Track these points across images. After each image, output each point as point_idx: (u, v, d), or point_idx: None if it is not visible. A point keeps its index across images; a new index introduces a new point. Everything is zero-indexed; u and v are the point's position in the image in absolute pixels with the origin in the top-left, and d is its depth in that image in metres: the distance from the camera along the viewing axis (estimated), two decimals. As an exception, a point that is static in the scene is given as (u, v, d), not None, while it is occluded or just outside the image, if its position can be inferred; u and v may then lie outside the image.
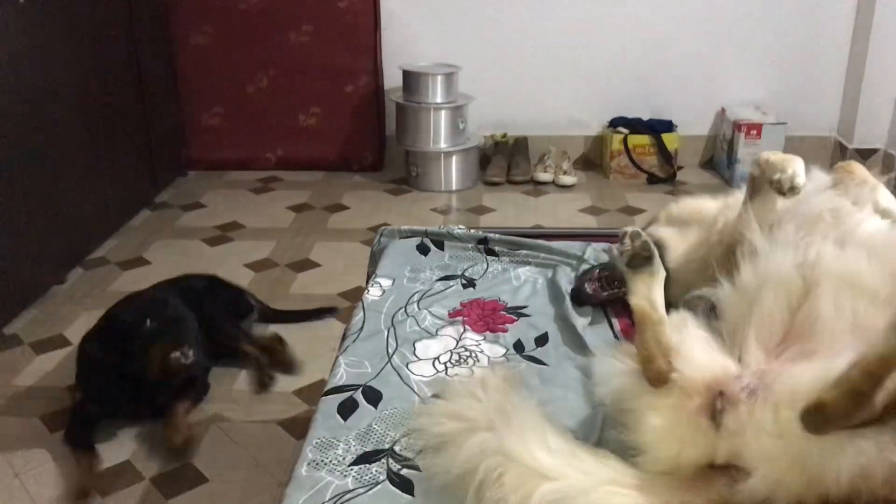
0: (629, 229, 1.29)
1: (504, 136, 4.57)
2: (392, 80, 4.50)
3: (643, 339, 1.28)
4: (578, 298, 1.85)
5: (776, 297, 1.31)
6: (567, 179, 4.38)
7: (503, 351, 1.68)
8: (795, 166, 1.51)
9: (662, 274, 1.28)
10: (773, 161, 1.54)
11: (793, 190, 1.49)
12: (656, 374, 1.25)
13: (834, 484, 1.04)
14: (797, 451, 1.08)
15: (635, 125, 4.45)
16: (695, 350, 1.28)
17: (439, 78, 4.23)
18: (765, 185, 1.55)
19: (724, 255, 1.57)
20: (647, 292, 1.28)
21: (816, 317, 1.26)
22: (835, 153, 4.51)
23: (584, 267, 1.99)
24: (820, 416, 1.06)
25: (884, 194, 1.48)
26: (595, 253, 2.04)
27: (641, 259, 1.28)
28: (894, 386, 1.05)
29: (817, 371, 1.11)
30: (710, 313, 1.47)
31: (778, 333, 1.29)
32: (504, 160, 4.49)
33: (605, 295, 1.81)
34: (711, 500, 1.15)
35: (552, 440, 1.22)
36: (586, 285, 1.83)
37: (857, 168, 1.55)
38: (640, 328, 1.28)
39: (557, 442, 1.22)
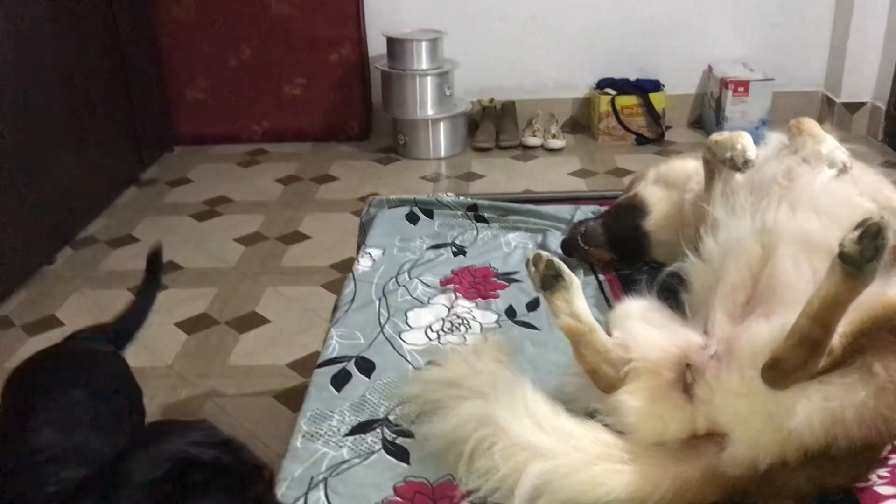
0: (530, 256, 1.31)
1: (491, 101, 4.54)
2: (376, 47, 4.45)
3: (580, 355, 1.27)
4: (568, 250, 1.86)
5: (737, 265, 1.34)
6: (556, 143, 4.36)
7: (495, 317, 1.68)
8: (744, 141, 1.55)
9: (577, 283, 1.29)
10: (722, 141, 1.58)
11: (746, 164, 1.53)
12: (605, 382, 1.26)
13: (809, 434, 1.06)
14: (766, 407, 1.09)
15: (622, 86, 4.42)
16: (650, 333, 1.29)
17: (424, 44, 4.19)
18: (719, 165, 1.58)
19: (697, 217, 1.59)
20: (569, 308, 1.28)
21: (777, 280, 1.28)
22: (822, 108, 4.50)
23: (578, 218, 2.00)
24: (778, 371, 1.07)
25: (829, 146, 1.49)
26: (585, 216, 2.03)
27: (551, 279, 1.28)
28: (850, 329, 1.07)
29: (775, 327, 1.12)
30: (680, 287, 1.49)
31: (741, 300, 1.31)
32: (492, 125, 4.47)
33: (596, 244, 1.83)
34: (703, 469, 1.16)
35: (544, 416, 1.22)
36: (579, 238, 1.83)
37: (808, 124, 1.57)
38: (574, 345, 1.28)
39: (549, 417, 1.22)
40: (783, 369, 1.07)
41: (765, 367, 1.09)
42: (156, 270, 2.05)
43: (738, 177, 1.57)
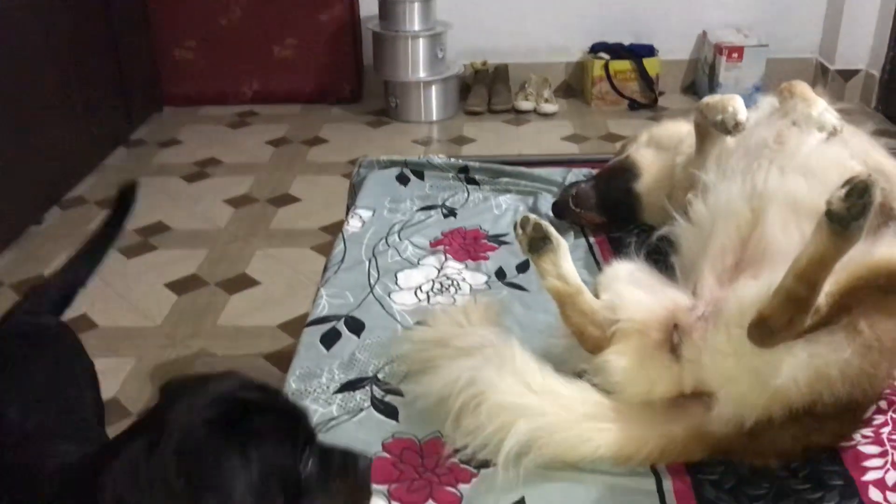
0: (518, 219, 1.32)
1: (484, 64, 4.50)
2: (368, 7, 4.38)
3: (566, 316, 1.28)
4: (559, 212, 1.85)
5: (726, 228, 1.34)
6: (548, 107, 4.33)
7: (485, 279, 1.68)
8: (735, 104, 1.54)
9: (564, 245, 1.30)
10: (713, 104, 1.57)
11: (737, 127, 1.53)
12: (591, 343, 1.27)
13: (794, 392, 1.06)
14: (752, 366, 1.10)
15: (616, 50, 4.38)
16: (638, 295, 1.29)
17: (416, 4, 4.13)
18: (710, 128, 1.58)
19: (688, 181, 1.59)
20: (556, 270, 1.28)
21: (766, 243, 1.29)
22: (817, 75, 4.47)
23: (570, 181, 1.99)
24: (765, 329, 1.08)
25: (819, 109, 1.49)
26: (576, 179, 2.02)
27: (538, 242, 1.28)
28: (837, 288, 1.07)
29: (762, 287, 1.12)
30: (669, 251, 1.50)
31: (730, 262, 1.32)
32: (484, 89, 4.43)
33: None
34: (689, 428, 1.17)
35: (532, 375, 1.23)
36: (570, 200, 1.83)
37: (800, 87, 1.56)
38: (560, 306, 1.29)
39: (537, 376, 1.23)
40: (769, 327, 1.07)
41: (751, 326, 1.09)
42: (123, 211, 1.84)
43: (729, 140, 1.57)
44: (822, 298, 1.07)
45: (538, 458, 1.14)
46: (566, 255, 1.30)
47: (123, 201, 1.82)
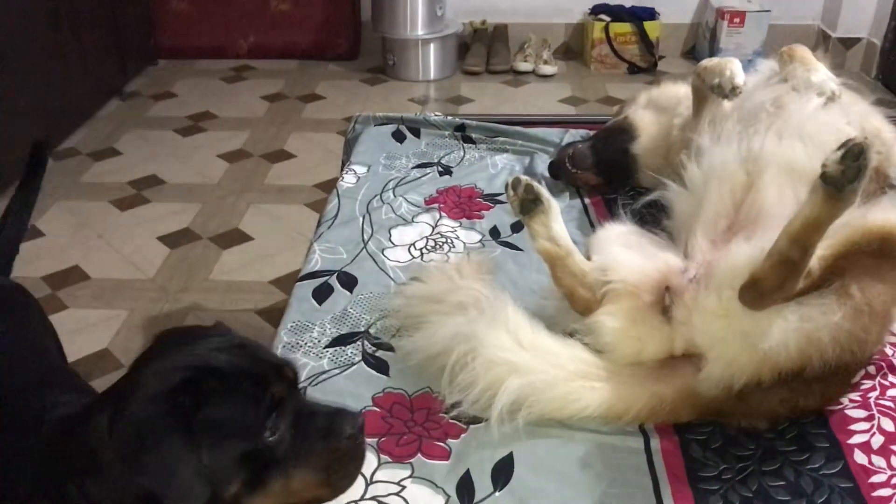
0: (509, 180, 1.31)
1: (483, 23, 4.44)
2: (367, -38, 4.33)
3: (557, 278, 1.28)
4: (555, 172, 1.84)
5: (720, 192, 1.34)
6: (547, 69, 4.29)
7: (479, 237, 1.68)
8: (733, 68, 1.53)
9: (556, 206, 1.30)
10: (711, 67, 1.56)
11: (734, 90, 1.51)
12: (582, 304, 1.27)
13: (784, 354, 1.07)
14: (743, 328, 1.10)
15: (617, 12, 4.33)
16: (630, 256, 1.29)
17: (416, -40, 4.07)
18: (707, 92, 1.56)
19: (685, 143, 1.58)
20: (547, 232, 1.28)
21: (760, 207, 1.29)
22: (818, 42, 4.43)
23: (567, 142, 1.98)
24: (756, 291, 1.08)
25: (819, 74, 1.47)
26: (573, 139, 2.01)
27: (530, 203, 1.28)
28: (830, 252, 1.07)
29: (755, 249, 1.12)
30: (661, 214, 1.49)
31: (723, 226, 1.31)
32: (483, 49, 4.38)
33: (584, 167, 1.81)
34: (679, 389, 1.18)
35: (524, 333, 1.23)
36: (566, 160, 1.82)
37: (800, 51, 1.55)
38: (551, 268, 1.29)
39: (529, 334, 1.23)
40: (761, 290, 1.08)
41: (743, 288, 1.09)
42: (37, 168, 1.77)
43: (726, 104, 1.56)
44: (815, 262, 1.07)
45: (528, 414, 1.15)
46: (557, 217, 1.30)
47: (35, 162, 1.76)
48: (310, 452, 0.94)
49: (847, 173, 0.99)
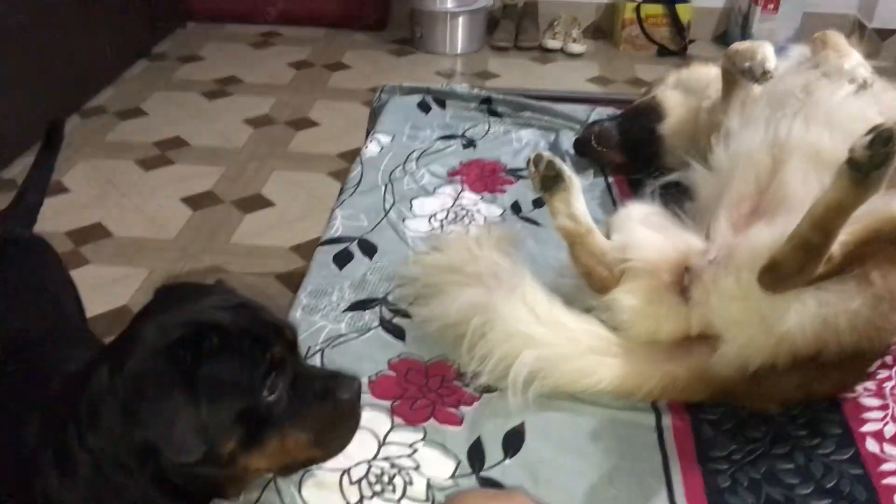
0: (531, 156, 1.29)
1: (513, -1, 4.42)
2: (399, -67, 4.30)
3: (576, 256, 1.28)
4: (580, 149, 1.84)
5: (745, 176, 1.33)
6: (576, 48, 4.26)
7: (500, 211, 1.68)
8: (765, 51, 1.50)
9: (577, 183, 1.29)
10: (742, 50, 1.53)
11: (765, 75, 1.48)
12: (599, 283, 1.26)
13: (801, 338, 1.07)
14: (761, 311, 1.10)
15: (649, -7, 4.29)
16: (651, 236, 1.29)
17: (449, -67, 4.04)
18: (737, 75, 1.55)
19: (712, 126, 1.57)
20: (567, 209, 1.28)
21: (784, 193, 1.28)
22: (853, 32, 4.37)
23: (593, 119, 1.97)
24: (776, 274, 1.08)
25: (851, 61, 1.45)
26: (600, 118, 2.00)
27: (551, 180, 1.27)
28: (852, 239, 1.07)
29: (775, 232, 1.11)
30: (683, 196, 1.48)
31: (746, 210, 1.31)
32: (512, 24, 4.35)
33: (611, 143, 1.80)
34: (692, 369, 1.18)
35: (540, 306, 1.23)
36: (592, 137, 1.81)
37: (833, 38, 1.52)
38: (570, 246, 1.28)
39: (545, 307, 1.23)
40: (781, 273, 1.07)
41: (762, 271, 1.09)
42: (53, 144, 1.88)
43: (756, 88, 1.54)
44: (837, 247, 1.06)
45: (541, 386, 1.15)
46: (578, 195, 1.29)
47: (52, 136, 1.85)
48: (305, 413, 0.96)
49: (874, 159, 0.98)
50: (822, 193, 1.05)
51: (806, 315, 1.06)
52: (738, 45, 1.58)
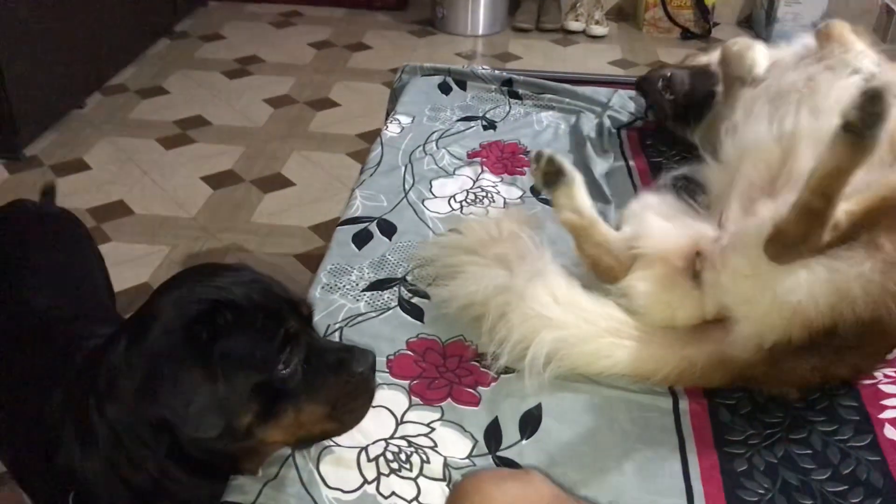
0: (532, 153, 1.30)
1: (536, -20, 4.38)
2: (422, -88, 4.28)
3: (581, 249, 1.29)
4: (642, 86, 1.83)
5: (756, 165, 1.32)
6: (598, 30, 4.23)
7: (520, 193, 1.68)
8: (754, 56, 1.52)
9: (579, 178, 1.29)
10: (732, 53, 1.56)
11: (754, 80, 1.50)
12: (607, 273, 1.27)
13: (814, 310, 1.06)
14: (771, 285, 1.09)
15: (674, -25, 4.24)
16: (663, 224, 1.29)
17: (472, -88, 4.01)
18: (732, 76, 1.54)
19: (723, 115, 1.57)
20: (571, 203, 1.28)
21: (795, 179, 1.26)
22: (881, 17, 4.30)
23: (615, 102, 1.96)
24: (780, 243, 1.07)
25: (856, 53, 1.43)
26: (622, 100, 1.99)
27: (552, 176, 1.28)
28: (859, 208, 1.06)
29: (779, 205, 1.11)
30: (697, 189, 1.48)
31: (757, 197, 1.29)
32: (534, 6, 4.32)
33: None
34: (710, 353, 1.18)
35: (559, 288, 1.23)
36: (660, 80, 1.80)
37: (838, 30, 1.50)
38: (575, 238, 1.29)
39: (564, 290, 1.23)
40: (785, 241, 1.07)
41: (767, 241, 1.08)
42: None
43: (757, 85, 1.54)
44: (843, 215, 1.05)
45: (558, 367, 1.16)
46: (581, 188, 1.30)
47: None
48: (320, 386, 0.97)
49: (867, 120, 0.97)
50: (819, 159, 1.04)
51: (816, 283, 1.05)
52: (732, 45, 1.58)
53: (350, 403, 1.00)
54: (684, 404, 1.16)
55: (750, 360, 1.13)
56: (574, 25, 4.25)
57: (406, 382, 1.18)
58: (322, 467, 1.04)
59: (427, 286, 1.37)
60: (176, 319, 0.93)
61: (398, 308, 1.32)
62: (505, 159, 1.79)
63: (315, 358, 0.97)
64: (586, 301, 1.24)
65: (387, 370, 1.20)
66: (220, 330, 0.91)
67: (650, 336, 1.21)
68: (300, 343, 0.96)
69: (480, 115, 1.97)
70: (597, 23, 4.24)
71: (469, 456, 1.08)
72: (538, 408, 1.14)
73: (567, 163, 1.29)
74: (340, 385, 0.98)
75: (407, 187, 1.67)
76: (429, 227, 1.55)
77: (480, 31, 4.23)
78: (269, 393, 0.94)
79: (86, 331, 1.21)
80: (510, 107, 2.02)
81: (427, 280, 1.38)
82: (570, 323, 1.20)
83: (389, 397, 1.15)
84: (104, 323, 1.27)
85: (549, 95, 2.04)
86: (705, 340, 1.20)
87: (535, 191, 1.68)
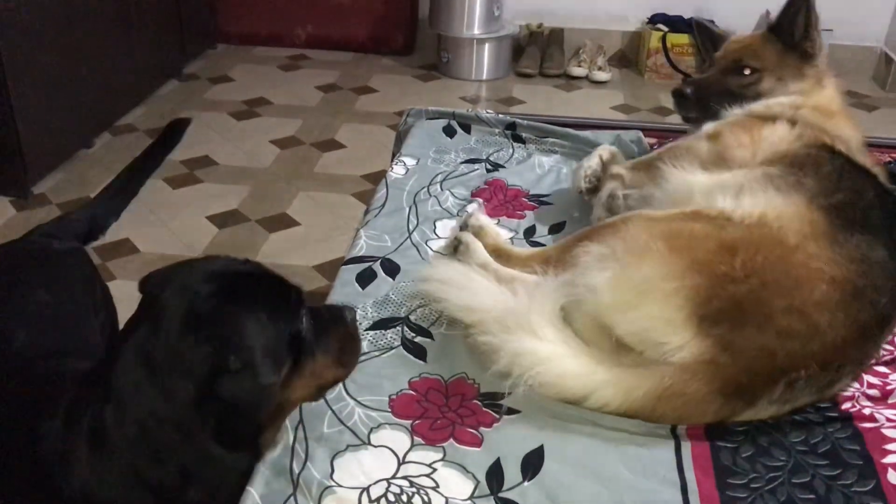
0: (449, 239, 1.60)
1: (540, 26, 4.45)
2: (428, -41, 4.36)
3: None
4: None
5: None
6: (601, 75, 4.28)
7: (511, 234, 1.69)
8: (579, 174, 1.74)
9: (478, 245, 1.52)
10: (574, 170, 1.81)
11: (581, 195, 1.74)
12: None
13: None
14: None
15: (676, 23, 4.30)
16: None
17: (477, -40, 4.09)
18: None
19: None
20: (476, 261, 1.48)
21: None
22: (879, 65, 4.36)
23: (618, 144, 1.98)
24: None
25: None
26: (624, 145, 2.01)
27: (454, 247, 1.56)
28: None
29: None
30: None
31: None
32: (538, 51, 4.39)
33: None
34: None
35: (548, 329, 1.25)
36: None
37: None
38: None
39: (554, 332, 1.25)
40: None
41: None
42: (168, 144, 1.91)
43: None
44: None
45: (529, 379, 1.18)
46: (480, 251, 1.51)
47: (171, 135, 1.90)
48: (326, 338, 1.09)
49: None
50: None
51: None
52: (578, 166, 1.79)
53: (349, 349, 1.14)
54: (686, 447, 1.16)
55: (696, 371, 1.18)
56: (577, 71, 4.30)
57: (408, 422, 1.18)
58: (324, 507, 1.04)
59: (430, 325, 1.37)
60: (203, 290, 0.98)
61: (401, 347, 1.33)
62: (507, 202, 1.81)
63: (315, 319, 1.08)
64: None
65: (389, 410, 1.20)
66: (254, 290, 1.01)
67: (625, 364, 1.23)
68: (305, 303, 1.07)
69: (484, 157, 2.00)
70: (599, 69, 4.30)
71: (471, 497, 1.07)
72: (540, 450, 1.14)
73: (466, 235, 1.54)
74: (340, 334, 1.11)
75: (411, 228, 1.69)
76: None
77: (485, 76, 4.29)
78: (295, 345, 1.03)
79: (75, 366, 1.21)
80: (514, 150, 2.04)
81: (430, 319, 1.38)
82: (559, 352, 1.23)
83: (391, 437, 1.15)
84: (86, 359, 1.26)
85: (552, 139, 2.07)
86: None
87: (528, 232, 1.70)
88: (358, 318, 1.38)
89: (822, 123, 1.58)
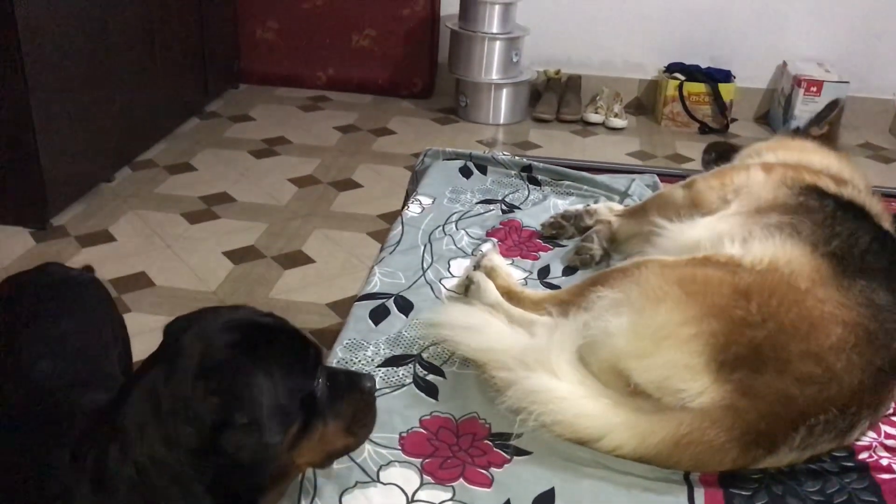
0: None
1: (557, 73, 4.50)
2: (449, 6, 4.43)
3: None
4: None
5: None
6: (617, 122, 4.31)
7: (524, 275, 1.69)
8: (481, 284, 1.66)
9: (489, 285, 1.55)
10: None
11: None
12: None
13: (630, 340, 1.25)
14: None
15: (692, 72, 4.34)
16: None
17: (497, 7, 4.15)
18: None
19: None
20: (488, 300, 1.51)
21: None
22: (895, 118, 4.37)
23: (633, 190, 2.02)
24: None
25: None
26: (640, 189, 2.02)
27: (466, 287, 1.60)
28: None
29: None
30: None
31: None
32: (555, 97, 4.43)
33: None
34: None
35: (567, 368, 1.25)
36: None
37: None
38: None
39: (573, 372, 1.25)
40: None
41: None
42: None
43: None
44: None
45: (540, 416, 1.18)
46: (488, 288, 1.53)
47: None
48: (340, 403, 1.05)
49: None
50: None
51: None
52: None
53: (363, 419, 1.09)
54: (699, 493, 1.15)
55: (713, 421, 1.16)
56: (593, 117, 4.34)
57: (418, 460, 1.17)
58: (330, 543, 1.03)
59: (442, 364, 1.37)
60: (221, 339, 0.96)
61: (413, 385, 1.32)
62: (522, 243, 1.82)
63: (332, 381, 1.05)
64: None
65: (399, 447, 1.19)
66: (270, 345, 0.98)
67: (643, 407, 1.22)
68: (322, 362, 1.04)
69: (500, 198, 2.01)
70: (616, 115, 4.33)
71: (479, 538, 1.06)
72: (551, 492, 1.13)
73: (478, 275, 1.57)
74: (355, 401, 1.07)
75: (425, 266, 1.69)
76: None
77: (502, 120, 4.33)
78: (306, 406, 0.99)
79: (86, 398, 1.21)
80: (529, 192, 2.05)
81: (443, 357, 1.38)
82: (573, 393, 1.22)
83: (400, 475, 1.14)
84: (101, 390, 1.26)
85: (568, 182, 2.08)
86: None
87: (542, 273, 1.71)
88: (370, 354, 1.39)
89: (795, 158, 1.67)
